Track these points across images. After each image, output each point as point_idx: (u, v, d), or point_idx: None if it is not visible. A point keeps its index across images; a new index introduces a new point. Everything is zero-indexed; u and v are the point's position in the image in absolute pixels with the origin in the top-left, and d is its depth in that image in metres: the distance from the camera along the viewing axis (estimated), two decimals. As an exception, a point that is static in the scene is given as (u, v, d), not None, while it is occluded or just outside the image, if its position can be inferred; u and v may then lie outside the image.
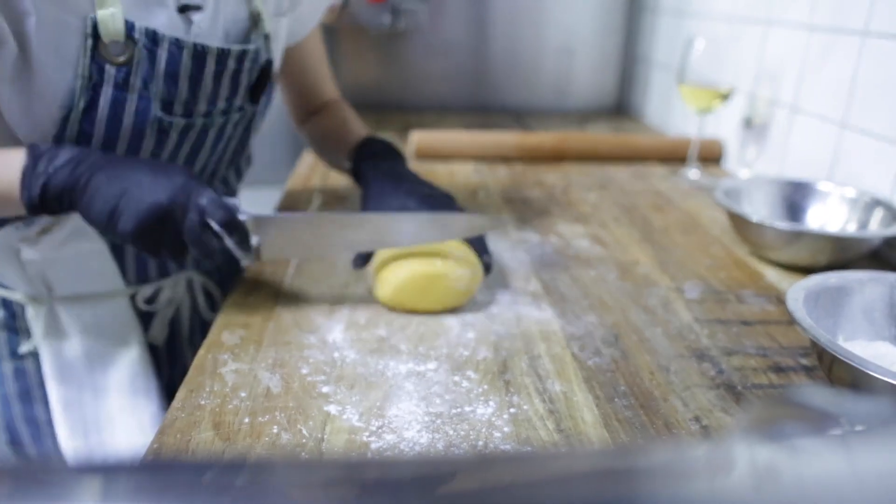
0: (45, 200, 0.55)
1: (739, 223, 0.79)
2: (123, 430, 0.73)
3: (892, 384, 0.45)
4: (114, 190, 0.54)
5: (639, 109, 1.64)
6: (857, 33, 0.86)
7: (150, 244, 0.56)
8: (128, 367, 0.73)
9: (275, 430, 0.46)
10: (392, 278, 0.62)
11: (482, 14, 1.60)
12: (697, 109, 1.09)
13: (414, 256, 0.63)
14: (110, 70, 0.58)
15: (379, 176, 0.73)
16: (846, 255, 0.73)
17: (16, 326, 0.71)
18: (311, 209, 0.92)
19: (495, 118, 1.56)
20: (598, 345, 0.59)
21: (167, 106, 0.63)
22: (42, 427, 0.73)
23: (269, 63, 0.71)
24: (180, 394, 0.50)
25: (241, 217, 0.58)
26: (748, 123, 1.13)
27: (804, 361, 0.57)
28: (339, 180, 1.03)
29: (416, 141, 1.18)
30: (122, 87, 0.60)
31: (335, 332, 0.59)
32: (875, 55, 0.83)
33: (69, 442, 0.72)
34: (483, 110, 1.64)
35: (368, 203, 0.71)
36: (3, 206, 0.57)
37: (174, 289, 0.77)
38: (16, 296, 0.70)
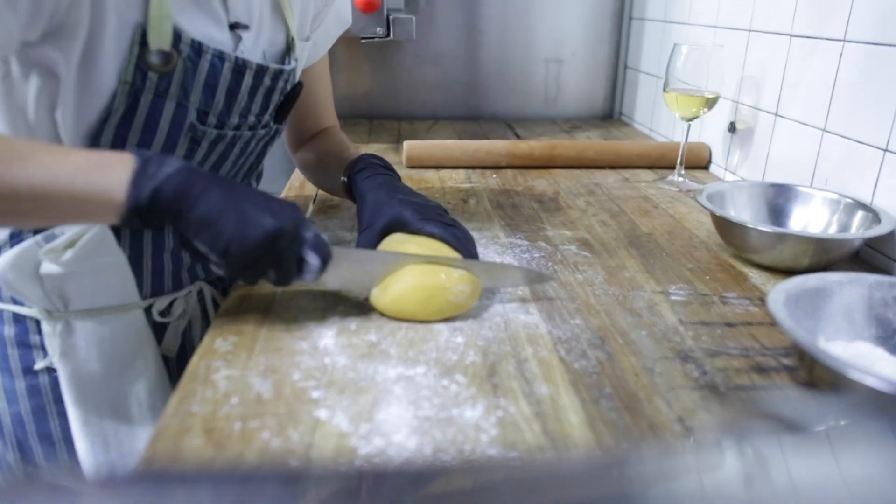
0: (153, 207, 0.52)
1: (723, 226, 0.80)
2: (143, 443, 0.73)
3: (870, 384, 0.46)
4: (231, 209, 0.53)
5: (628, 116, 1.66)
6: (836, 40, 0.88)
7: (250, 266, 0.55)
8: (146, 379, 0.73)
9: (265, 436, 0.47)
10: (394, 287, 0.63)
11: (473, 24, 1.62)
12: (682, 116, 1.10)
13: (418, 267, 0.64)
14: (153, 77, 0.60)
15: (374, 188, 0.74)
16: (828, 256, 0.75)
17: (29, 342, 0.71)
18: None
19: (487, 126, 1.58)
20: (584, 347, 0.60)
21: (202, 116, 0.65)
22: (57, 444, 0.73)
23: (299, 85, 0.74)
24: (173, 401, 0.51)
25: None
26: (732, 129, 1.14)
27: (786, 362, 0.59)
28: (331, 189, 1.04)
29: (407, 150, 1.19)
30: (162, 94, 0.61)
31: (326, 337, 0.60)
32: (853, 61, 0.85)
33: (90, 457, 0.71)
34: (474, 119, 1.66)
35: (365, 213, 0.72)
36: (90, 212, 0.53)
37: (187, 300, 0.78)
38: (30, 311, 0.69)
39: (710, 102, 1.08)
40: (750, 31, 1.10)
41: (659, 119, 1.46)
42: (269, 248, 0.55)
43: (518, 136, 1.47)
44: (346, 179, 0.80)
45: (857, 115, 0.85)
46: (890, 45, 0.78)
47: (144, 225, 0.54)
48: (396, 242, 0.68)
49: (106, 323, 0.71)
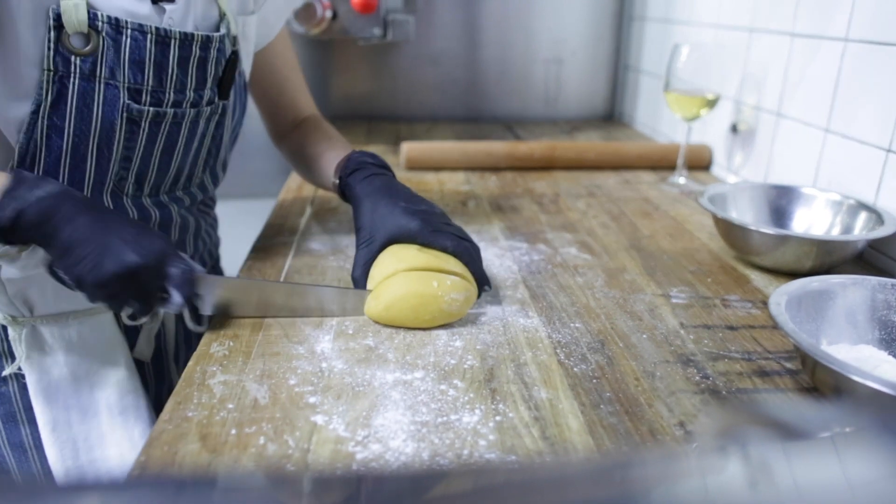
0: (15, 227, 0.55)
1: (725, 228, 0.80)
2: (114, 449, 0.72)
3: (873, 387, 0.45)
4: (94, 239, 0.55)
5: (629, 117, 1.65)
6: (838, 39, 0.87)
7: (109, 297, 0.57)
8: (115, 384, 0.72)
9: (261, 441, 0.46)
10: (385, 295, 0.62)
11: (472, 24, 1.61)
12: (683, 117, 1.10)
13: (410, 274, 0.62)
14: (76, 61, 0.59)
15: (372, 193, 0.71)
16: (831, 258, 0.74)
17: None
18: (303, 220, 0.92)
19: (486, 128, 1.57)
20: (584, 351, 0.59)
21: (135, 95, 0.63)
22: (29, 451, 0.72)
23: (234, 55, 0.72)
24: (168, 406, 0.50)
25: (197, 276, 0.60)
26: (734, 129, 1.14)
27: (788, 365, 0.58)
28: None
29: (406, 152, 1.19)
30: (88, 77, 0.60)
31: (323, 342, 0.60)
32: (855, 61, 0.84)
33: (59, 464, 0.71)
34: (474, 120, 1.65)
35: (364, 223, 0.69)
36: None
37: None
38: None
39: (712, 103, 1.08)
40: (751, 30, 1.10)
41: (660, 120, 1.45)
42: (128, 282, 0.56)
43: (518, 138, 1.47)
44: (337, 181, 0.77)
45: (860, 115, 0.84)
46: (892, 45, 0.78)
47: (8, 244, 0.56)
48: (397, 247, 0.67)
49: (72, 327, 0.70)
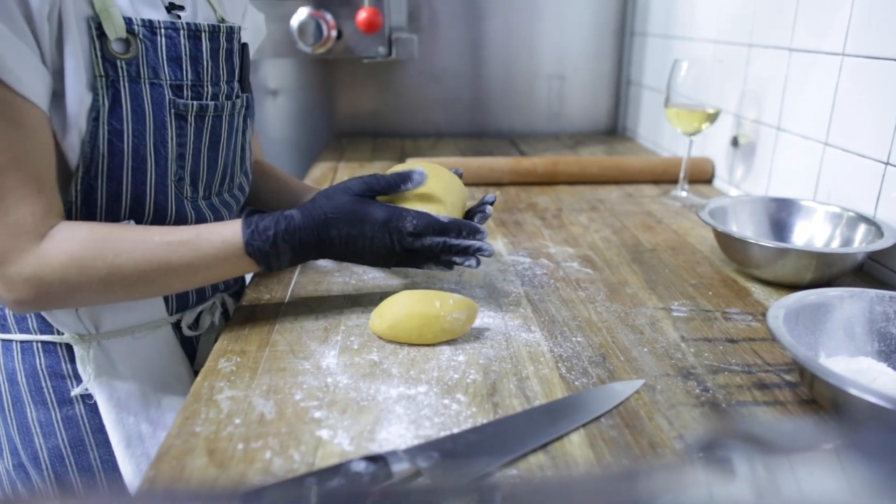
0: (298, 255, 0.65)
1: (725, 241, 0.80)
2: None
3: (869, 401, 0.46)
4: (349, 247, 0.65)
5: (632, 130, 1.67)
6: (835, 55, 0.89)
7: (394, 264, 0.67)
8: (182, 396, 0.73)
9: (267, 456, 0.47)
10: (389, 314, 0.63)
11: (476, 41, 1.63)
12: (684, 131, 1.11)
13: (413, 294, 0.64)
14: (122, 65, 0.62)
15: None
16: (831, 270, 0.75)
17: (62, 372, 0.69)
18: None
19: (490, 143, 1.59)
20: (585, 365, 0.60)
21: (177, 91, 0.66)
22: (98, 474, 0.72)
23: (245, 46, 0.76)
24: (177, 421, 0.51)
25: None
26: (735, 143, 1.15)
27: (788, 378, 0.59)
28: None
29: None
30: (135, 79, 0.63)
31: (329, 357, 0.61)
32: (853, 75, 0.85)
33: (136, 479, 0.71)
34: (478, 135, 1.67)
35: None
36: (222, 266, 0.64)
37: (212, 312, 0.78)
38: (61, 338, 0.68)
39: (712, 117, 1.09)
40: (750, 45, 1.11)
41: (662, 133, 1.47)
42: (390, 253, 0.66)
43: (522, 153, 1.48)
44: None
45: (858, 128, 0.85)
46: (888, 59, 0.79)
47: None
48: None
49: (137, 341, 0.71)
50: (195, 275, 0.63)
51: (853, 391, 0.46)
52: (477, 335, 0.65)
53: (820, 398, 0.53)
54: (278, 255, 0.64)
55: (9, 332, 0.69)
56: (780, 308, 0.57)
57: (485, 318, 0.68)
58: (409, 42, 1.38)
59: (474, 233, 0.67)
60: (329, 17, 1.41)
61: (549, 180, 1.22)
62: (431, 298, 0.63)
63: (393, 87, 1.64)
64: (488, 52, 1.64)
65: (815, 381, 0.52)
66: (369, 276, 0.79)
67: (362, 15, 1.33)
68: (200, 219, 0.72)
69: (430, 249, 0.66)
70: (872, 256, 0.82)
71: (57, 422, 0.70)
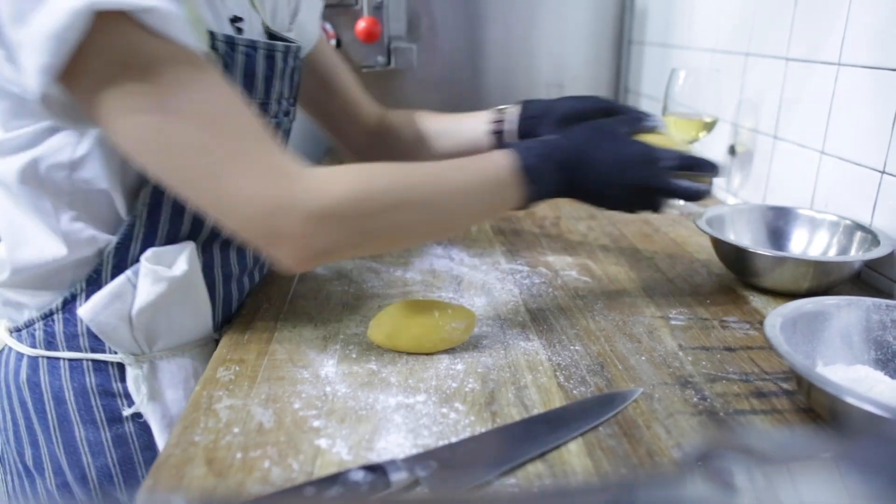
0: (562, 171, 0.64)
1: (723, 250, 0.81)
2: None
3: (866, 409, 0.46)
4: (606, 177, 0.65)
5: (629, 139, 1.67)
6: (831, 64, 0.89)
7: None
8: None
9: (266, 465, 0.47)
10: (387, 323, 0.63)
11: (474, 49, 1.64)
12: (682, 139, 1.11)
13: (412, 303, 0.64)
14: None
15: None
16: (828, 279, 0.75)
17: (112, 391, 0.68)
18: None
19: (488, 151, 1.59)
20: (583, 374, 0.60)
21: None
22: None
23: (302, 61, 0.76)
24: (176, 430, 0.51)
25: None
26: (732, 151, 1.15)
27: (786, 386, 0.59)
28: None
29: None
30: None
31: (328, 366, 0.61)
32: (848, 85, 0.86)
33: None
34: (476, 143, 1.67)
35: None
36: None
37: None
38: (114, 357, 0.67)
39: (709, 126, 1.09)
40: (747, 54, 1.12)
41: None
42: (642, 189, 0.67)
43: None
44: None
45: (854, 137, 0.85)
46: (883, 69, 0.79)
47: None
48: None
49: (187, 359, 0.69)
50: (467, 202, 0.61)
51: (850, 400, 0.46)
52: (475, 343, 0.65)
53: (817, 407, 0.53)
54: (548, 173, 0.63)
55: (56, 349, 0.67)
56: (778, 316, 0.58)
57: (483, 326, 0.69)
58: (408, 51, 1.39)
59: (713, 170, 0.68)
60: (328, 26, 1.41)
61: (547, 188, 1.22)
62: (430, 308, 0.63)
63: (392, 95, 1.64)
64: (487, 60, 1.65)
65: (812, 390, 0.53)
66: (368, 285, 0.79)
67: (361, 24, 1.34)
68: None
69: (673, 188, 0.67)
70: (869, 265, 0.82)
71: (106, 440, 0.69)
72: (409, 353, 0.63)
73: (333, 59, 0.89)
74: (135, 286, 0.64)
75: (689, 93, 1.09)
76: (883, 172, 0.80)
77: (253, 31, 0.70)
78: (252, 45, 0.65)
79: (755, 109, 1.09)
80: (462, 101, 1.66)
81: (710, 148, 1.23)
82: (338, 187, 0.54)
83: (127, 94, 0.51)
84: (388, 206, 0.56)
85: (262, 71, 0.66)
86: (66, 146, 0.60)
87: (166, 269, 0.64)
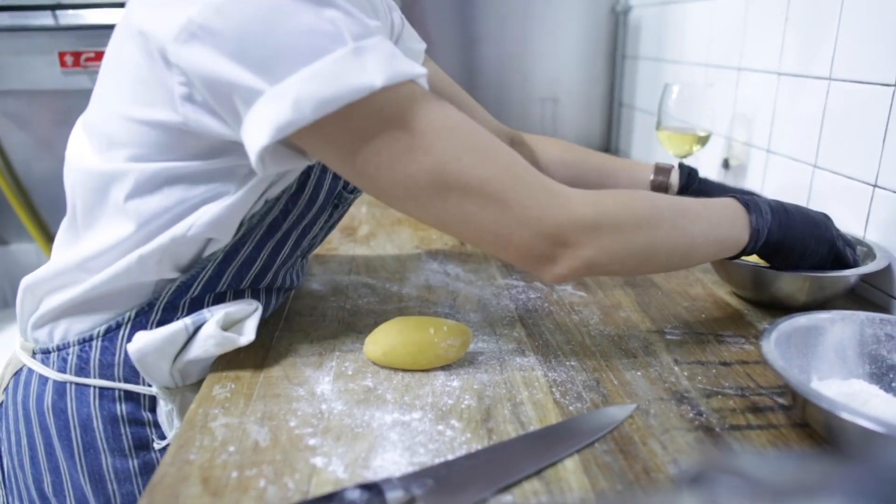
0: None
1: (718, 263, 0.81)
2: None
3: (861, 425, 0.46)
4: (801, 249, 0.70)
5: (625, 152, 1.68)
6: (822, 79, 0.90)
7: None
8: None
9: (262, 484, 0.47)
10: (383, 340, 0.63)
11: (469, 65, 1.65)
12: (676, 153, 1.12)
13: (408, 320, 0.65)
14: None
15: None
16: (824, 293, 0.75)
17: (141, 419, 0.68)
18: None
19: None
20: (579, 390, 0.60)
21: (347, 183, 0.70)
22: None
23: None
24: (171, 449, 0.51)
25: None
26: (727, 165, 1.16)
27: (781, 401, 0.59)
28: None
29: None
30: (324, 168, 0.66)
31: (323, 383, 0.61)
32: (839, 99, 0.87)
33: None
34: (472, 157, 1.68)
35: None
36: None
37: None
38: (148, 389, 0.67)
39: (703, 140, 1.10)
40: (739, 69, 1.13)
41: (655, 154, 1.48)
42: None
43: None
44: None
45: (845, 151, 0.86)
46: (872, 83, 0.80)
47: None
48: None
49: None
50: (709, 230, 0.64)
51: (845, 416, 0.46)
52: (471, 360, 0.65)
53: (813, 422, 0.54)
54: (767, 214, 0.67)
55: (88, 376, 0.66)
56: (773, 331, 0.58)
57: (479, 342, 0.69)
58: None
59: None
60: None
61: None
62: (425, 325, 0.63)
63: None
64: (483, 76, 1.66)
65: (807, 406, 0.53)
66: (363, 301, 0.79)
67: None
68: (291, 285, 0.76)
69: (843, 256, 0.73)
70: (865, 279, 0.82)
71: (133, 468, 0.68)
72: (404, 370, 0.63)
73: (447, 80, 0.92)
74: (189, 334, 0.63)
75: (682, 107, 1.10)
76: (875, 186, 0.80)
77: None
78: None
79: (748, 123, 1.10)
80: (458, 115, 1.67)
81: (705, 162, 1.24)
82: (604, 203, 0.58)
83: (391, 142, 0.52)
84: (649, 224, 0.59)
85: None
86: (219, 195, 0.60)
87: (236, 337, 0.63)
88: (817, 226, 0.71)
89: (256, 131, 0.51)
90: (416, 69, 0.53)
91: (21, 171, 2.13)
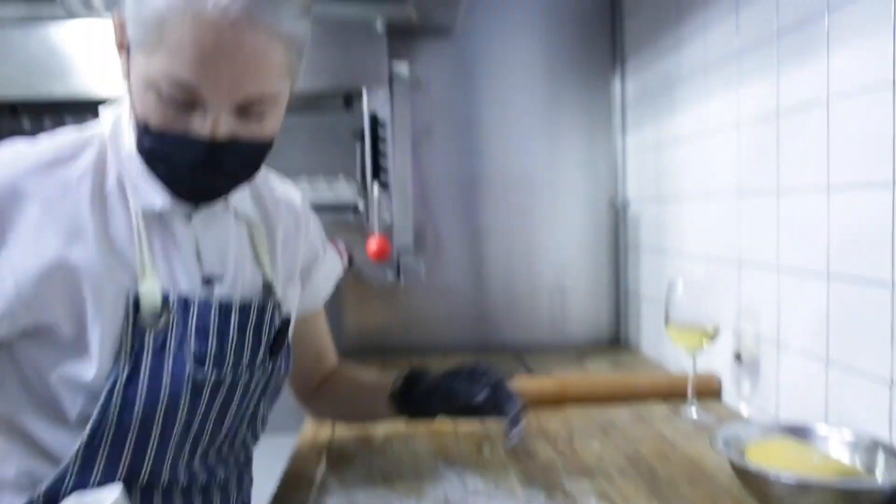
0: None
1: (745, 476, 0.79)
2: None
3: None
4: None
5: (634, 342, 1.69)
6: (820, 275, 0.93)
7: None
8: None
9: None
10: None
11: (478, 259, 1.73)
12: (687, 348, 1.13)
13: None
14: (149, 337, 0.65)
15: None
16: (858, 505, 0.72)
17: None
18: (319, 472, 0.91)
19: (496, 357, 1.61)
20: None
21: (200, 362, 0.69)
22: None
23: (286, 322, 0.79)
24: None
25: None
26: (738, 358, 1.16)
27: None
28: (348, 436, 1.04)
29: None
30: (160, 351, 0.66)
31: None
32: (842, 297, 0.89)
33: None
34: (484, 349, 1.69)
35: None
36: None
37: None
38: None
39: (711, 334, 1.12)
40: (739, 263, 1.17)
41: (665, 345, 1.49)
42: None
43: (528, 368, 1.50)
44: (399, 388, 0.90)
45: (857, 348, 0.86)
46: (872, 281, 0.83)
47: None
48: None
49: None
50: None
51: None
52: None
53: None
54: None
55: None
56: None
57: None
58: (415, 268, 1.46)
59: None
60: (341, 244, 1.50)
61: (557, 400, 1.22)
62: None
63: (400, 307, 1.70)
64: (490, 268, 1.73)
65: None
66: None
67: (373, 245, 1.43)
68: (192, 480, 0.72)
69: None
70: None
71: None
72: None
73: (321, 319, 0.99)
74: None
75: (689, 302, 1.13)
76: (892, 386, 0.80)
77: (237, 285, 0.75)
78: (206, 303, 0.70)
79: (755, 317, 1.12)
80: (467, 308, 1.72)
81: (717, 356, 1.24)
82: None
83: None
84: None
85: (215, 326, 0.70)
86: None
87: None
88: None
89: None
90: None
91: None
